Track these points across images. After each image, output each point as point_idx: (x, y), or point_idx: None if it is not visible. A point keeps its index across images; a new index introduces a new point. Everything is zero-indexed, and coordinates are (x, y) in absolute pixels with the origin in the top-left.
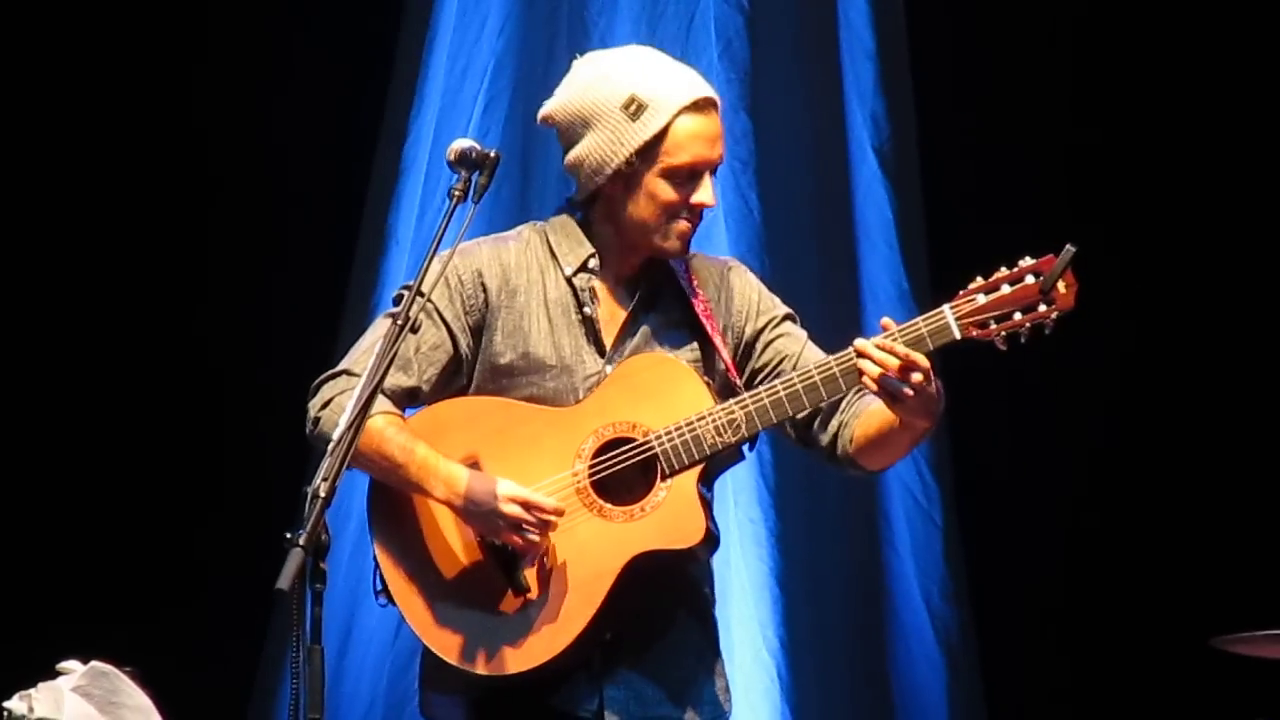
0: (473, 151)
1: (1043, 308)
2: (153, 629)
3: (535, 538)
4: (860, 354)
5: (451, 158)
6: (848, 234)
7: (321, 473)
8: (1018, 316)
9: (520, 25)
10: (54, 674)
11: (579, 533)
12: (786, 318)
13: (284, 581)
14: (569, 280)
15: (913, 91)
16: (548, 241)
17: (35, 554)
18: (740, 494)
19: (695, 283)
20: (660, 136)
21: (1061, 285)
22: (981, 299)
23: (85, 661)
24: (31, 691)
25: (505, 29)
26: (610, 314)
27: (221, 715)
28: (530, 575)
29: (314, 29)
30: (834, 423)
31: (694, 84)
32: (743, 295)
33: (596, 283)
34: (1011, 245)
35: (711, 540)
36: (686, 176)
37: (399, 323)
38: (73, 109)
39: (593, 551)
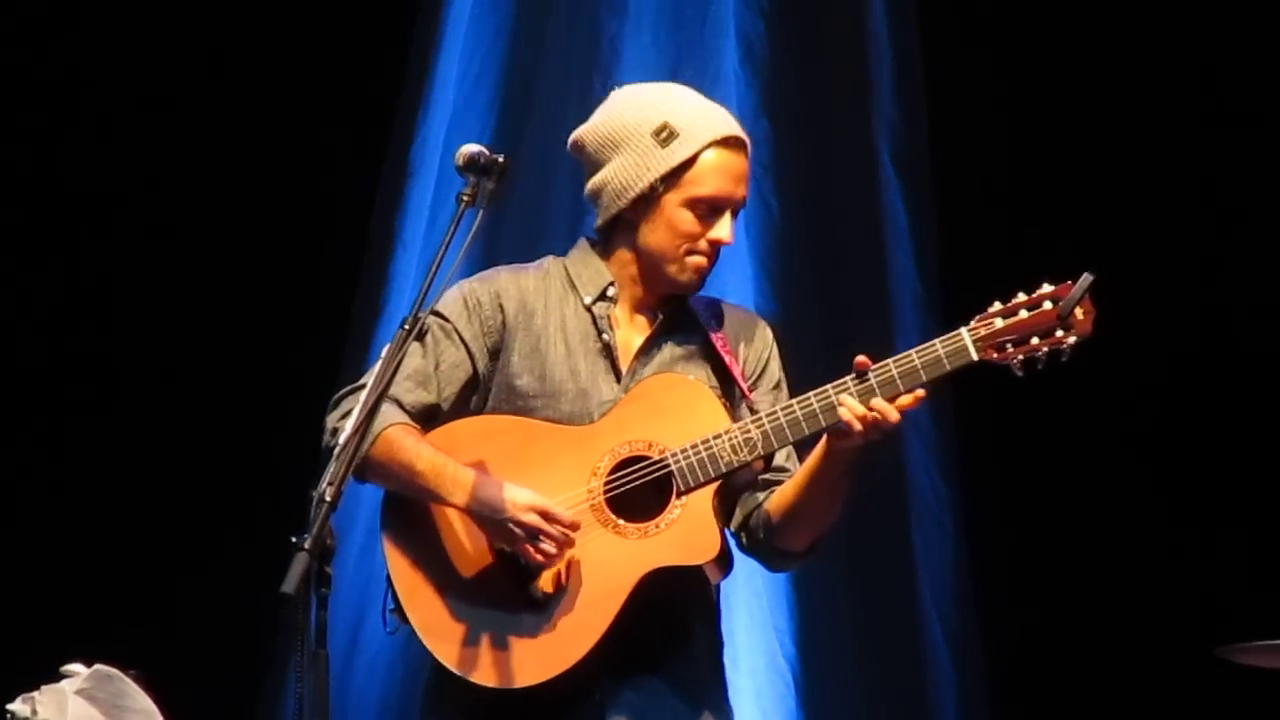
0: (481, 156)
1: (1060, 333)
2: (158, 632)
3: (551, 549)
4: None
5: (460, 162)
6: (874, 239)
7: (327, 477)
8: (1035, 341)
9: (535, 31)
10: (58, 676)
11: (593, 548)
12: (777, 385)
13: (289, 585)
14: (588, 309)
15: (925, 96)
16: (566, 272)
17: (40, 555)
18: None
19: (718, 319)
20: (687, 165)
21: (1079, 312)
22: (999, 323)
23: (89, 664)
24: (35, 694)
25: (519, 34)
26: (627, 342)
27: (226, 718)
28: (544, 588)
29: (325, 30)
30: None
31: (728, 122)
32: (758, 352)
33: (615, 311)
34: (1024, 255)
35: (727, 561)
36: (707, 209)
37: (406, 328)
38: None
39: (607, 567)
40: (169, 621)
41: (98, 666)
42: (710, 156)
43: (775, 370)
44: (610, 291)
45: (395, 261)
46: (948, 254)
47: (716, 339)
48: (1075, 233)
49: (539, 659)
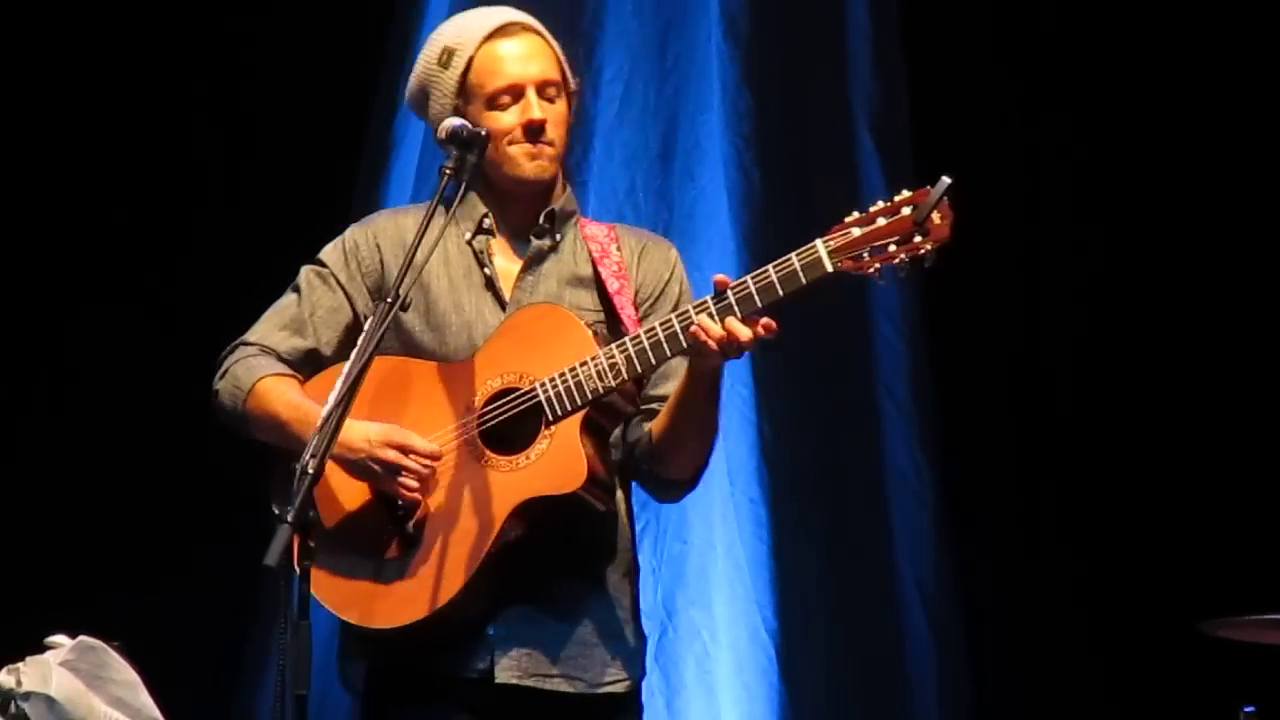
0: (463, 130)
1: (918, 239)
2: (141, 603)
3: (413, 483)
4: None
5: (441, 136)
6: (853, 210)
7: (310, 449)
8: (892, 249)
9: (517, 3)
10: (42, 648)
11: (467, 484)
12: (676, 308)
13: (272, 558)
14: (469, 244)
15: (904, 68)
16: (450, 210)
17: (23, 527)
18: (739, 474)
19: (616, 245)
20: (467, 71)
21: (936, 216)
22: (856, 232)
23: (73, 636)
24: (19, 665)
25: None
26: (508, 271)
27: (209, 690)
28: (418, 527)
29: (307, 2)
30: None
31: (500, 14)
32: (657, 273)
33: (494, 242)
34: (1002, 223)
35: (605, 488)
36: (510, 101)
37: (389, 301)
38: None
39: (479, 502)
40: (152, 593)
41: (81, 638)
42: (485, 53)
43: (675, 292)
44: (486, 223)
45: None
46: None
47: (607, 263)
48: (1054, 201)
49: (416, 597)
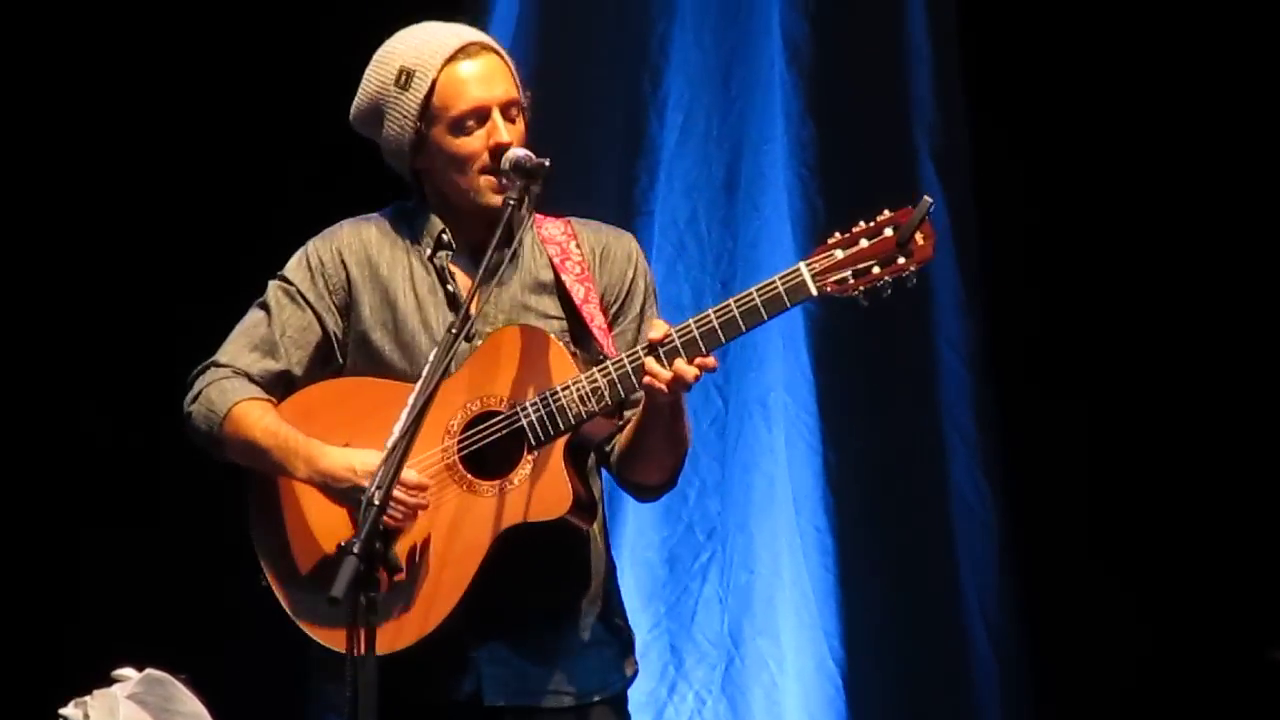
0: (527, 160)
1: (901, 260)
2: (208, 636)
3: (399, 515)
4: (646, 363)
5: (505, 166)
6: None
7: (375, 480)
8: (876, 270)
9: (582, 29)
10: (109, 681)
11: (449, 509)
12: (641, 312)
13: (338, 589)
14: (430, 260)
15: (965, 97)
16: (410, 224)
17: (89, 560)
18: (805, 502)
19: (574, 242)
20: (431, 94)
21: (919, 236)
22: (839, 254)
23: (140, 668)
24: (87, 699)
25: (565, 33)
26: (469, 284)
27: None
28: (401, 554)
29: (371, 24)
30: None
31: (458, 35)
32: (621, 273)
33: (452, 262)
34: (1065, 249)
35: (588, 509)
36: (475, 124)
37: (453, 332)
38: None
39: (463, 527)
40: (219, 625)
41: (149, 671)
42: (448, 75)
43: (641, 287)
44: (445, 238)
45: None
46: (987, 254)
47: (568, 265)
48: (1118, 224)
49: (401, 625)
